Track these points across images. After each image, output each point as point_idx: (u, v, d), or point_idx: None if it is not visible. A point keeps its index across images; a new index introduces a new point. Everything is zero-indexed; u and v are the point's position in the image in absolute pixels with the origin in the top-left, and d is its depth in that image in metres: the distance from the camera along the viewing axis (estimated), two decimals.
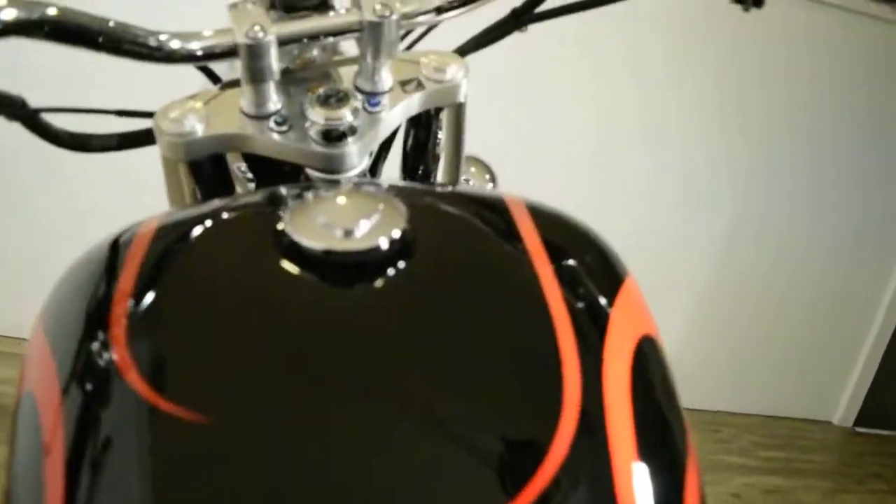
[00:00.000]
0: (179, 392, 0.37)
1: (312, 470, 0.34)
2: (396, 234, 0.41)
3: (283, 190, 0.50)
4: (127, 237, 0.47)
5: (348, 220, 0.42)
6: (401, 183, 0.58)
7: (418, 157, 0.70)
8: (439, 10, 0.58)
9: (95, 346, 0.41)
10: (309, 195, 0.45)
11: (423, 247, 0.43)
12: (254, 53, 0.51)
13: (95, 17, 0.48)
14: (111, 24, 0.48)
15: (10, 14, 0.43)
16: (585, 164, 2.08)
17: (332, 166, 0.57)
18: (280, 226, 0.42)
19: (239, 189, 0.67)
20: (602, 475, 0.37)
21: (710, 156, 2.13)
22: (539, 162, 1.97)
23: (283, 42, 0.54)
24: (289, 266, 0.41)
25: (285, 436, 0.36)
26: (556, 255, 0.46)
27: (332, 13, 0.58)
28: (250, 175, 0.69)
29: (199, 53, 0.53)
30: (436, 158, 0.69)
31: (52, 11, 0.45)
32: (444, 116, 0.66)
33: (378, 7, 0.54)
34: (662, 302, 2.29)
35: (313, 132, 0.55)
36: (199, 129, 0.54)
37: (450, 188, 0.57)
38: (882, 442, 2.55)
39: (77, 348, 0.42)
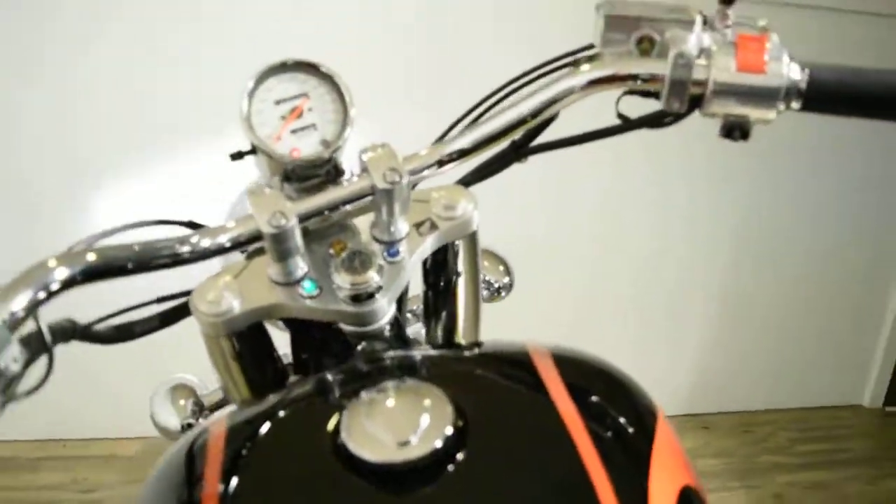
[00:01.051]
0: None
1: None
2: (448, 431, 0.44)
3: (334, 384, 0.53)
4: (200, 444, 0.51)
5: (402, 430, 0.44)
6: (430, 353, 0.61)
7: (438, 289, 0.73)
8: (440, 163, 0.61)
9: None
10: (362, 398, 0.48)
11: (470, 437, 0.46)
12: (279, 239, 0.55)
13: (124, 247, 0.52)
14: (137, 248, 0.53)
15: (62, 273, 0.47)
16: (596, 187, 2.10)
17: (364, 322, 0.60)
18: (340, 437, 0.45)
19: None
20: None
21: (711, 167, 2.15)
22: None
23: (303, 219, 0.57)
24: (353, 478, 0.44)
25: None
26: (588, 411, 0.48)
27: (344, 181, 0.61)
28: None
29: (228, 245, 0.56)
30: (455, 282, 0.72)
31: (91, 257, 0.49)
32: (459, 245, 0.69)
33: (387, 174, 0.57)
34: (682, 313, 2.33)
35: (342, 295, 0.58)
36: (236, 306, 0.56)
37: (476, 350, 0.60)
38: None
39: None
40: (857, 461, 2.30)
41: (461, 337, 0.77)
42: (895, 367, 2.56)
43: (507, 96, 0.70)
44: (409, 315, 0.83)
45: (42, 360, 0.50)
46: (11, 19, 1.82)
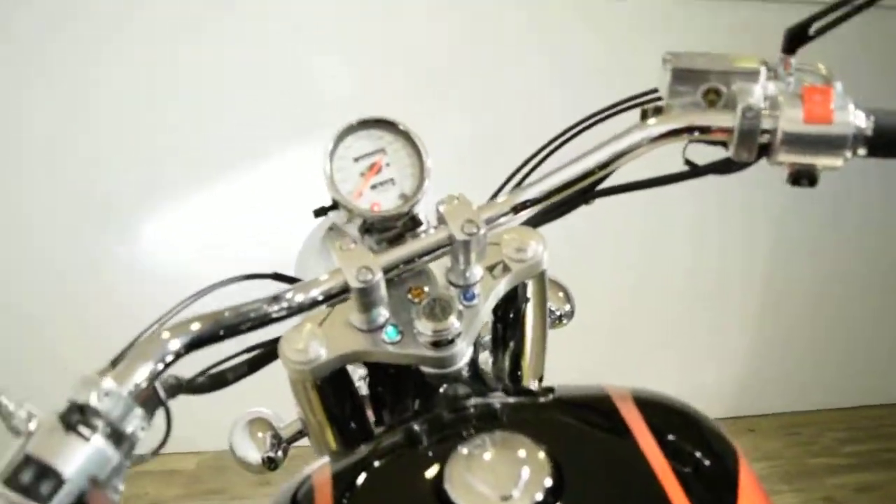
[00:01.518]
0: None
1: None
2: (547, 483, 0.47)
3: (429, 434, 0.56)
4: (306, 493, 0.54)
5: (503, 484, 0.47)
6: (514, 400, 0.64)
7: (507, 322, 0.76)
8: (515, 211, 0.64)
9: None
10: (461, 451, 0.50)
11: (567, 489, 0.48)
12: (365, 292, 0.58)
13: (225, 313, 0.56)
14: (237, 313, 0.57)
15: (175, 344, 0.52)
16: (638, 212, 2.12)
17: (444, 365, 0.63)
18: (444, 491, 0.47)
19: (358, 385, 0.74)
20: None
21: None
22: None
23: (386, 271, 0.60)
24: None
25: None
26: (674, 456, 0.50)
27: (422, 233, 0.64)
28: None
29: (319, 299, 0.60)
30: (523, 317, 0.75)
31: (197, 327, 0.54)
32: (529, 285, 0.72)
33: (465, 225, 0.60)
34: (723, 316, 2.33)
35: (423, 340, 0.61)
36: (323, 354, 0.59)
37: (556, 395, 0.63)
38: None
39: None
40: None
41: (528, 367, 0.80)
42: None
43: (570, 138, 0.73)
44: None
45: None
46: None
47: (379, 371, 0.74)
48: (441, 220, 0.62)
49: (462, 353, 0.61)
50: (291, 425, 0.85)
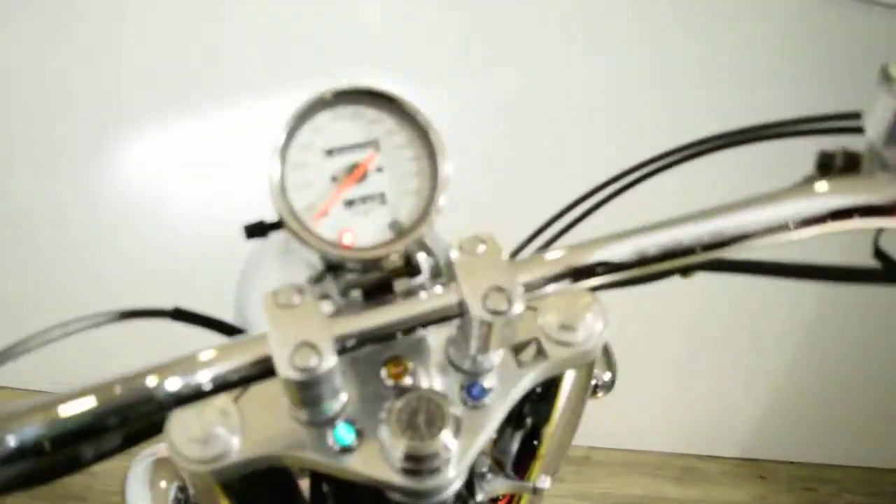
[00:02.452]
0: None
1: None
2: None
3: None
4: None
5: None
6: None
7: (524, 418, 0.53)
8: (576, 277, 0.39)
9: None
10: None
11: None
12: (304, 386, 0.34)
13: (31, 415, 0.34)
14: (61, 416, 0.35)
15: None
16: None
17: (422, 500, 0.40)
18: None
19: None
20: None
21: None
22: None
23: (347, 350, 0.36)
24: None
25: None
26: None
27: (418, 287, 0.40)
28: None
29: (213, 386, 0.36)
30: (551, 415, 0.52)
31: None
32: (566, 378, 0.48)
33: (491, 297, 0.36)
34: (754, 348, 2.09)
35: (394, 461, 0.37)
36: (235, 448, 0.39)
37: None
38: None
39: None
40: None
41: (543, 461, 0.58)
42: None
43: (662, 168, 0.48)
44: None
45: None
46: None
47: (325, 484, 0.51)
48: (452, 274, 0.38)
49: (452, 483, 0.41)
50: None
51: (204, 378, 0.35)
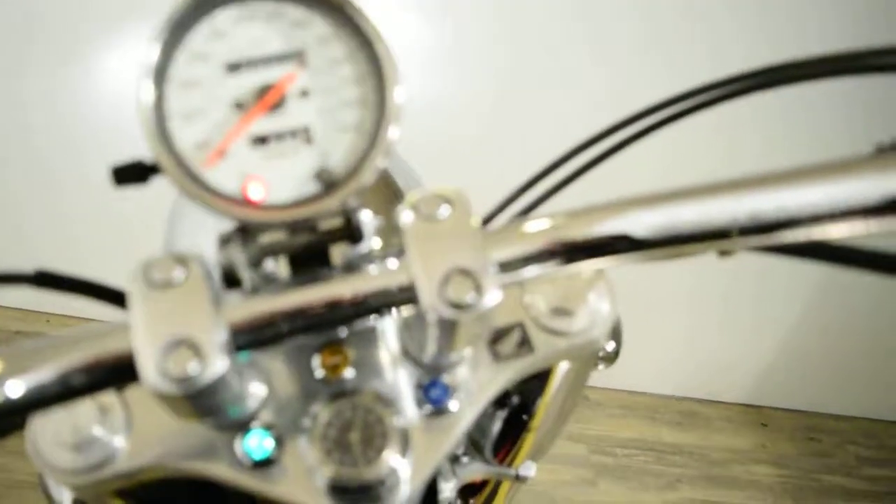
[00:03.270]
0: None
1: None
2: None
3: None
4: None
5: None
6: None
7: (507, 410, 0.43)
8: (588, 252, 0.28)
9: None
10: None
11: None
12: (182, 400, 0.24)
13: None
14: None
15: None
16: None
17: None
18: None
19: None
20: None
21: None
22: None
23: (247, 345, 0.26)
24: None
25: None
26: None
27: (360, 258, 0.29)
28: None
29: (66, 390, 0.26)
30: (538, 407, 0.42)
31: None
32: (559, 371, 0.38)
33: (453, 284, 0.25)
34: (770, 290, 1.99)
35: (322, 485, 0.28)
36: (118, 454, 0.31)
37: None
38: None
39: None
40: None
41: (528, 449, 0.49)
42: None
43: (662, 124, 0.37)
44: None
45: None
46: None
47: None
48: (403, 250, 0.27)
49: None
50: None
51: (29, 385, 0.25)
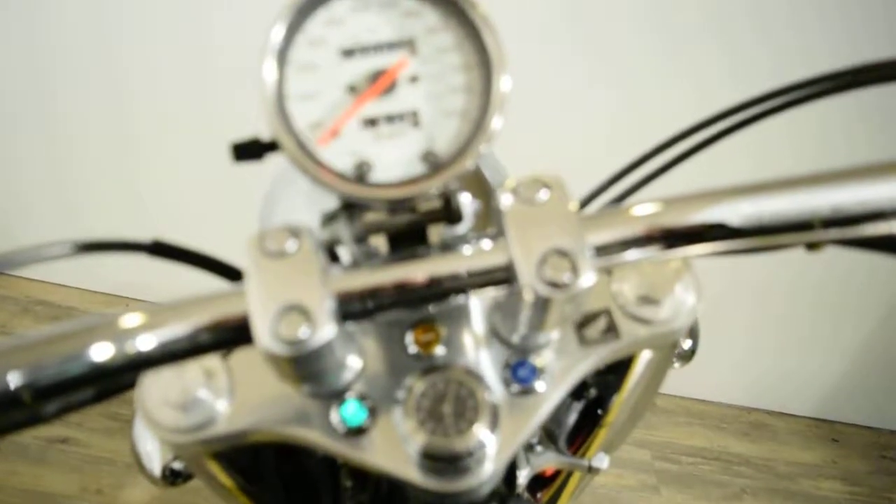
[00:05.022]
0: None
1: None
2: None
3: None
4: None
5: None
6: None
7: (584, 401, 0.44)
8: (677, 240, 0.29)
9: None
10: None
11: None
12: (299, 363, 0.26)
13: None
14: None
15: None
16: None
17: (445, 502, 0.34)
18: None
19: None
20: None
21: None
22: None
23: (353, 315, 0.28)
24: None
25: None
26: None
27: (457, 239, 0.31)
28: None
29: (185, 349, 0.29)
30: (615, 398, 0.43)
31: None
32: (637, 366, 0.39)
33: (550, 264, 0.26)
34: (847, 303, 1.92)
35: (414, 453, 0.30)
36: (220, 415, 0.33)
37: None
38: None
39: None
40: None
41: (601, 441, 0.50)
42: None
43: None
44: None
45: None
46: None
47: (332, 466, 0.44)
48: (502, 228, 0.28)
49: (485, 485, 0.34)
50: None
51: (160, 340, 0.27)
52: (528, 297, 0.27)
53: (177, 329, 0.27)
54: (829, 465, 1.92)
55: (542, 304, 0.27)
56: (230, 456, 0.38)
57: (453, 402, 0.30)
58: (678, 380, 1.99)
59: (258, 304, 0.26)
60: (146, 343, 0.27)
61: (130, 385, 0.34)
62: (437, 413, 0.30)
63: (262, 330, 0.26)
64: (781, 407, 2.05)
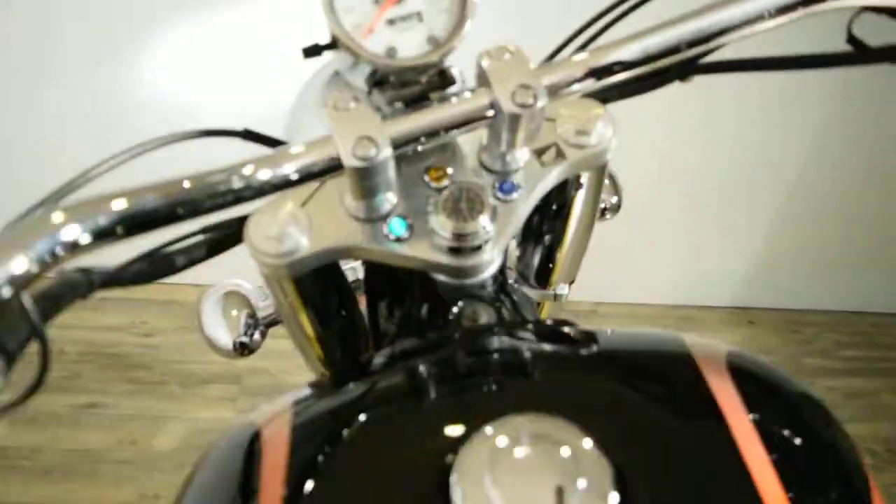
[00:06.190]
0: None
1: None
2: (610, 500, 0.33)
3: (434, 391, 0.42)
4: (254, 450, 0.42)
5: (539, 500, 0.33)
6: (558, 349, 0.48)
7: (544, 220, 0.61)
8: (593, 76, 0.46)
9: None
10: (477, 444, 0.35)
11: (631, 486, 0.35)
12: (365, 174, 0.42)
13: (163, 187, 0.39)
14: (171, 190, 0.40)
15: (71, 234, 0.35)
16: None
17: (464, 278, 0.50)
18: (450, 494, 0.34)
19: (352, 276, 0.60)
20: None
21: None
22: None
23: (398, 145, 0.44)
24: None
25: None
26: (785, 460, 0.37)
27: (453, 95, 0.47)
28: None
29: (295, 178, 0.43)
30: (567, 217, 0.60)
31: (119, 205, 0.37)
32: (584, 176, 0.56)
33: (518, 92, 0.43)
34: (740, 201, 2.18)
35: (440, 242, 0.46)
36: (304, 244, 0.45)
37: (615, 348, 0.48)
38: None
39: None
40: None
41: (561, 268, 0.67)
42: None
43: None
44: None
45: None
46: None
47: (379, 269, 0.60)
48: (483, 79, 0.45)
49: (489, 264, 0.48)
50: (272, 305, 0.72)
51: (282, 172, 0.42)
52: (507, 118, 0.43)
53: (287, 167, 0.42)
54: (747, 343, 2.21)
55: (514, 125, 0.43)
56: (304, 280, 0.52)
57: (467, 200, 0.46)
58: (617, 289, 2.23)
59: (342, 137, 0.42)
60: (264, 174, 0.42)
61: (238, 241, 0.49)
62: (457, 208, 0.46)
63: (346, 152, 0.41)
64: (704, 301, 2.32)
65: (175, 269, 0.48)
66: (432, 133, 0.45)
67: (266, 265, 0.45)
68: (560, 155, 0.50)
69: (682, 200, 2.15)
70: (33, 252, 0.34)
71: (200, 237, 0.49)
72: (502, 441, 0.35)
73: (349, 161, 0.41)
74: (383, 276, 0.62)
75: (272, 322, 0.72)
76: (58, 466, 1.54)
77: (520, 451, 0.34)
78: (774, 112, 2.08)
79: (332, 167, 0.43)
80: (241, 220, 0.47)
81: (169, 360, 1.86)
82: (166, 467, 1.58)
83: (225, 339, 0.68)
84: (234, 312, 0.71)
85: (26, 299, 0.34)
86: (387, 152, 0.42)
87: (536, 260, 0.69)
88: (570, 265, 0.67)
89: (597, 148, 0.50)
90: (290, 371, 1.77)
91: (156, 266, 0.47)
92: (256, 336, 0.70)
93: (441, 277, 0.52)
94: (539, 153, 0.50)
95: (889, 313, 2.47)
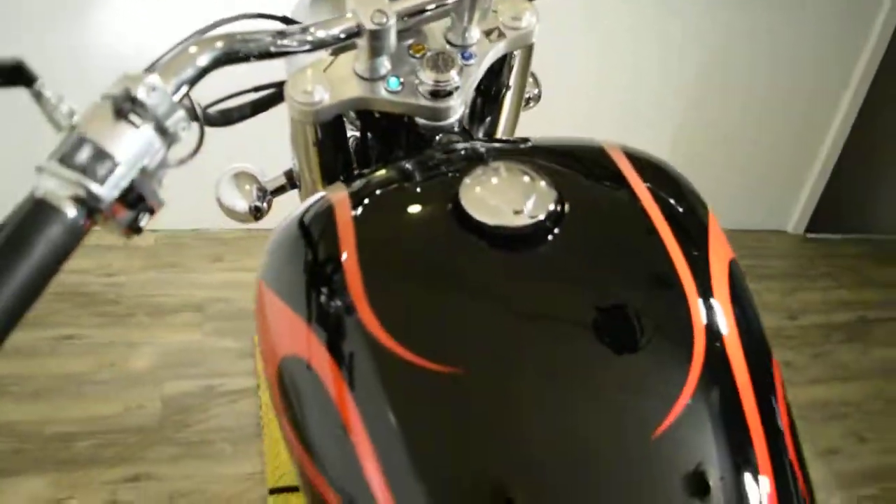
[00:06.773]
0: (437, 350, 0.46)
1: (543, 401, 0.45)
2: (552, 205, 0.52)
3: (438, 164, 0.59)
4: (323, 206, 0.56)
5: (514, 201, 0.52)
6: (515, 145, 0.64)
7: (489, 93, 0.83)
8: None
9: (343, 309, 0.49)
10: (475, 174, 0.54)
11: (569, 212, 0.52)
12: (377, 36, 0.58)
13: (249, 36, 0.53)
14: (259, 37, 0.53)
15: (203, 60, 0.49)
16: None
17: (441, 117, 0.66)
18: (460, 205, 0.52)
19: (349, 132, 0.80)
20: (727, 375, 0.48)
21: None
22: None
23: (399, 17, 0.63)
24: (473, 238, 0.50)
25: (526, 379, 0.45)
26: (661, 200, 0.55)
27: None
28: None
29: (330, 38, 0.57)
30: (504, 89, 0.83)
31: (222, 45, 0.51)
32: (516, 57, 0.79)
33: None
34: (631, 124, 2.47)
35: (423, 90, 0.63)
36: (326, 98, 0.61)
37: (552, 143, 0.63)
38: (830, 246, 2.85)
39: (327, 311, 0.51)
40: (775, 276, 2.60)
41: (502, 129, 0.83)
42: (819, 198, 2.82)
43: None
44: None
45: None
46: None
47: (372, 121, 0.81)
48: None
49: (457, 108, 0.65)
50: (276, 179, 0.86)
51: (318, 36, 0.54)
52: (465, 1, 0.64)
53: (320, 33, 0.62)
54: None
55: (472, 6, 0.63)
56: (323, 126, 0.64)
57: (443, 58, 0.62)
58: None
59: (363, 8, 0.54)
60: (308, 36, 0.61)
61: (279, 100, 0.69)
62: (436, 65, 0.61)
63: (366, 20, 0.55)
64: None
65: (233, 120, 0.68)
66: (421, 10, 0.67)
67: (300, 112, 0.61)
68: (501, 35, 0.73)
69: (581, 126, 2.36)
70: (190, 67, 0.48)
71: (254, 95, 0.70)
72: (487, 173, 0.59)
73: (368, 25, 0.60)
74: (375, 128, 0.83)
75: (277, 191, 0.89)
76: (45, 390, 1.67)
77: (496, 179, 0.55)
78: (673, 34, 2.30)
79: (351, 35, 0.63)
80: (279, 85, 0.65)
81: (135, 294, 2.01)
82: (146, 382, 1.74)
83: (242, 205, 0.85)
84: (247, 187, 0.87)
85: (191, 97, 0.53)
86: (393, 20, 0.62)
87: (483, 128, 0.90)
88: (508, 128, 0.85)
89: (526, 30, 0.73)
90: (246, 300, 1.97)
91: (221, 115, 0.67)
92: (265, 203, 0.88)
93: (423, 121, 0.74)
94: (487, 33, 0.72)
95: (767, 230, 2.81)
